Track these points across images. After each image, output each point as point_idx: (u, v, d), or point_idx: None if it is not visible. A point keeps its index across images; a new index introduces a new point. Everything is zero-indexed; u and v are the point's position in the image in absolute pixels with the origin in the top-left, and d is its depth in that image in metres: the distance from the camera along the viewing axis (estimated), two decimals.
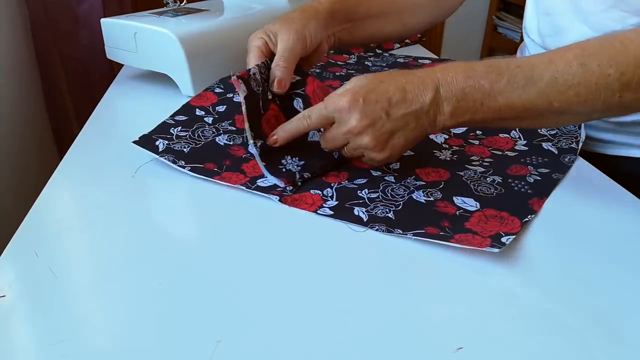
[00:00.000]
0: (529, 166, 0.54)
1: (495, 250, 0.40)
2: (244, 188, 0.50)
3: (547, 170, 0.54)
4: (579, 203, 0.49)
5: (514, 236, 0.42)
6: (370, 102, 0.46)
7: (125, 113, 0.74)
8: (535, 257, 0.42)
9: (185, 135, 0.58)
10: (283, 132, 0.51)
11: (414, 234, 0.43)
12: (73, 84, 1.27)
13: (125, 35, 0.76)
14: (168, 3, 0.83)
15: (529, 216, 0.46)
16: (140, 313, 0.36)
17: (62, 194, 0.51)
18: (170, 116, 0.62)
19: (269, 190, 0.49)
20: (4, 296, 0.37)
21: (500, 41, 2.46)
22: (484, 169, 0.54)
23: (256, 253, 0.42)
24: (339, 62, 0.88)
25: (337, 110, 0.47)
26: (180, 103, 0.71)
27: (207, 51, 0.74)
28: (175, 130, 0.59)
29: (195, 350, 0.32)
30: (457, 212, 0.46)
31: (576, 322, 0.36)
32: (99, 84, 1.24)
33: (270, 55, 0.57)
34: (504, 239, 0.42)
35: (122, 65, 0.85)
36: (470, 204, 0.47)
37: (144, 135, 0.57)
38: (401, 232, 0.43)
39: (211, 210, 0.48)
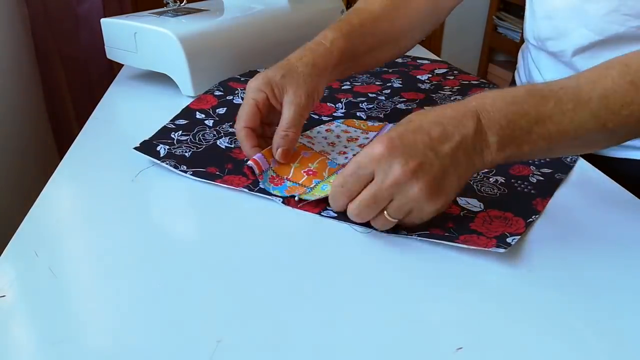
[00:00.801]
0: (531, 166, 0.54)
1: (501, 250, 0.40)
2: (247, 190, 0.49)
3: (550, 171, 0.54)
4: (580, 203, 0.49)
5: (519, 237, 0.42)
6: (410, 141, 0.40)
7: (125, 113, 0.74)
8: (535, 257, 0.42)
9: (186, 139, 0.58)
10: (332, 205, 0.45)
11: (419, 235, 0.43)
12: (73, 84, 1.27)
13: (125, 35, 0.76)
14: (168, 3, 0.83)
15: (533, 216, 0.46)
16: (140, 313, 0.36)
17: (62, 194, 0.51)
18: (171, 120, 0.62)
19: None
20: (4, 296, 0.37)
21: (500, 41, 2.46)
22: (486, 169, 0.54)
23: (256, 253, 0.42)
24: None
25: (375, 161, 0.39)
26: (180, 103, 0.71)
27: (207, 51, 0.74)
28: (176, 134, 0.59)
29: (195, 350, 0.32)
30: (462, 213, 0.46)
31: (576, 322, 0.36)
32: (99, 84, 1.24)
33: (267, 111, 0.53)
34: (509, 239, 0.42)
35: (122, 65, 0.85)
36: (474, 205, 0.47)
37: (144, 141, 0.56)
38: (406, 233, 0.43)
39: (211, 210, 0.48)
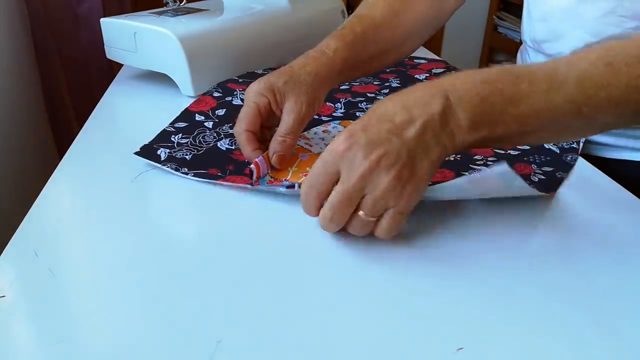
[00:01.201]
0: (532, 165, 0.54)
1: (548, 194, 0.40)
2: (249, 186, 0.50)
3: (551, 169, 0.54)
4: (580, 203, 0.49)
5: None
6: (372, 131, 0.38)
7: (125, 113, 0.74)
8: (536, 257, 0.42)
9: (187, 142, 0.58)
10: (305, 210, 0.43)
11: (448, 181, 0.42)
12: (73, 84, 1.27)
13: (125, 35, 0.76)
14: (168, 3, 0.83)
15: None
16: (140, 313, 0.36)
17: (62, 194, 0.51)
18: (170, 123, 0.61)
19: (273, 186, 0.50)
20: (3, 296, 0.37)
21: (500, 41, 2.46)
22: (459, 152, 0.54)
23: (256, 254, 0.42)
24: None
25: (339, 157, 0.38)
26: (180, 103, 0.71)
27: (207, 51, 0.74)
28: (176, 137, 0.59)
29: (195, 350, 0.32)
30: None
31: (576, 322, 0.36)
32: (99, 83, 1.24)
33: (267, 116, 0.52)
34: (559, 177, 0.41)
35: (122, 65, 0.85)
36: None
37: (144, 145, 0.56)
38: (431, 182, 0.41)
39: (211, 210, 0.48)
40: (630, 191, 0.51)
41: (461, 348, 0.33)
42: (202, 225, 0.47)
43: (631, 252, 0.43)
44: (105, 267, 0.40)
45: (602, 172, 0.55)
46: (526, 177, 0.52)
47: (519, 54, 0.83)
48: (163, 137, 0.59)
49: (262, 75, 0.75)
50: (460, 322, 0.35)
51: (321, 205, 0.41)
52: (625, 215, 0.48)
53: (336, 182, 0.39)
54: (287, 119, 0.51)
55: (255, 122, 0.52)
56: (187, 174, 0.52)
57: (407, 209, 0.40)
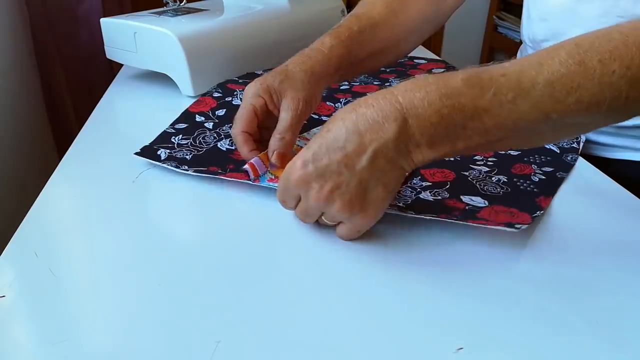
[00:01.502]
0: (532, 165, 0.55)
1: (514, 230, 0.41)
2: (250, 182, 0.50)
3: (551, 169, 0.54)
4: (580, 203, 0.49)
5: (526, 225, 0.43)
6: (323, 163, 0.39)
7: (125, 113, 0.74)
8: (535, 257, 0.42)
9: (187, 143, 0.58)
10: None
11: (428, 216, 0.43)
12: (73, 84, 1.27)
13: (125, 35, 0.76)
14: (168, 3, 0.83)
15: (537, 212, 0.46)
16: (140, 313, 0.36)
17: (62, 194, 0.51)
18: (171, 125, 0.61)
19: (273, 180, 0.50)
20: (3, 296, 0.37)
21: (500, 41, 2.46)
22: (488, 169, 0.54)
23: (256, 254, 0.42)
24: None
25: (295, 186, 0.41)
26: (180, 103, 0.71)
27: (207, 51, 0.74)
28: (176, 138, 0.59)
29: (195, 350, 0.32)
30: (466, 207, 0.47)
31: (576, 322, 0.36)
32: (99, 84, 1.24)
33: (264, 117, 0.53)
34: (517, 226, 0.42)
35: (122, 65, 0.85)
36: (478, 201, 0.48)
37: (145, 146, 0.56)
38: (413, 213, 0.44)
39: (211, 211, 0.48)
40: (630, 191, 0.51)
41: (461, 348, 0.33)
42: (202, 226, 0.47)
43: (631, 252, 0.43)
44: (105, 267, 0.40)
45: (602, 172, 0.55)
46: (527, 177, 0.52)
47: (519, 54, 0.83)
48: (163, 138, 0.58)
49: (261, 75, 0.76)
50: (460, 322, 0.35)
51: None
52: (625, 215, 0.48)
53: (298, 200, 0.42)
54: (285, 117, 0.51)
55: (251, 123, 0.52)
56: (187, 170, 0.52)
57: (363, 228, 0.42)
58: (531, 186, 0.51)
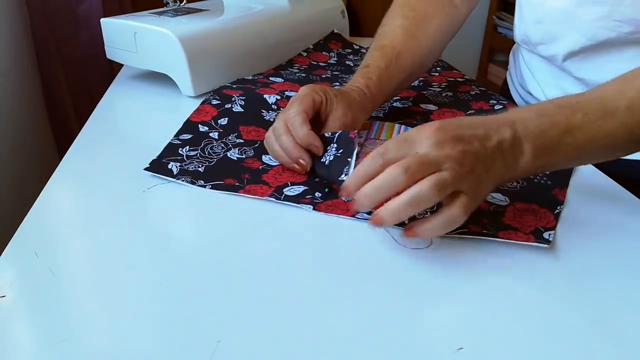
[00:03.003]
0: None
1: (545, 245, 0.42)
2: (273, 200, 0.49)
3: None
4: (581, 204, 0.49)
5: (553, 231, 0.44)
6: (458, 131, 0.40)
7: (125, 113, 0.74)
8: (536, 257, 0.42)
9: (196, 154, 0.57)
10: (353, 181, 0.42)
11: (459, 233, 0.44)
12: (73, 84, 1.27)
13: (125, 35, 0.76)
14: (168, 3, 0.83)
15: (558, 207, 0.48)
16: (140, 313, 0.36)
17: (62, 194, 0.51)
18: (175, 136, 0.60)
19: (299, 199, 0.49)
20: (4, 296, 0.37)
21: (500, 41, 2.45)
22: (519, 178, 0.54)
23: (256, 254, 0.42)
24: (320, 64, 0.88)
25: (425, 138, 0.40)
26: (180, 103, 0.71)
27: (207, 51, 0.74)
28: (184, 150, 0.58)
29: (195, 350, 0.32)
30: (491, 208, 0.48)
31: (576, 321, 0.36)
32: (99, 84, 1.23)
33: (315, 113, 0.53)
34: (545, 235, 0.43)
35: (122, 65, 0.85)
36: (500, 199, 0.49)
37: (154, 160, 0.55)
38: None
39: (211, 211, 0.48)
40: (630, 191, 0.51)
41: (461, 348, 0.33)
42: (202, 226, 0.47)
43: (631, 252, 0.43)
44: (106, 267, 0.40)
45: (602, 172, 0.55)
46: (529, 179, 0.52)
47: (511, 54, 0.83)
48: (171, 151, 0.57)
49: (252, 80, 0.75)
50: (460, 322, 0.35)
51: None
52: (625, 215, 0.48)
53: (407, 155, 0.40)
54: (336, 125, 0.53)
55: (310, 107, 0.52)
56: (204, 186, 0.51)
57: (473, 199, 0.40)
58: (544, 179, 0.52)
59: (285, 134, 0.51)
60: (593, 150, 0.44)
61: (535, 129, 0.42)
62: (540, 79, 0.71)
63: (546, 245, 0.42)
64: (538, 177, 0.52)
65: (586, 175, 0.55)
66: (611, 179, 0.54)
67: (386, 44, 0.64)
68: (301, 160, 0.51)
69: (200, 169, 0.54)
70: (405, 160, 0.38)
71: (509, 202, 0.48)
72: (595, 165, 0.56)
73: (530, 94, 0.74)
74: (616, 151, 0.46)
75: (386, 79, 0.62)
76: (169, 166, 0.54)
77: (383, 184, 0.39)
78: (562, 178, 0.52)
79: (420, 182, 0.38)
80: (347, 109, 0.54)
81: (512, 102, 0.75)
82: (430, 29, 0.67)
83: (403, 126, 0.64)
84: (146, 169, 0.53)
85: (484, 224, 0.45)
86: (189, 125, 0.63)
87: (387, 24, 0.66)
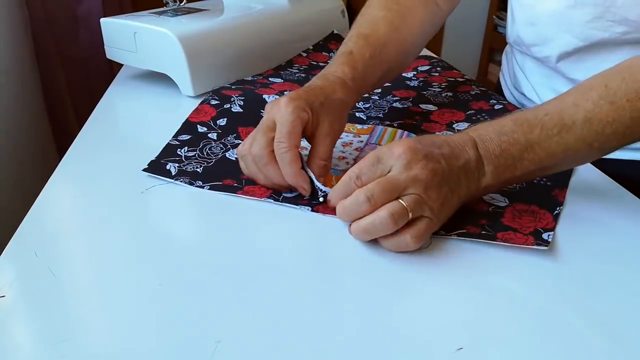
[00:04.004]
0: None
1: (544, 248, 0.42)
2: (272, 201, 0.49)
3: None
4: (580, 203, 0.49)
5: (552, 232, 0.44)
6: (427, 147, 0.42)
7: (125, 113, 0.74)
8: (535, 257, 0.42)
9: (194, 155, 0.57)
10: (334, 198, 0.44)
11: (458, 235, 0.44)
12: (73, 84, 1.27)
13: (125, 35, 0.76)
14: (168, 3, 0.83)
15: (557, 208, 0.47)
16: (140, 313, 0.36)
17: (62, 194, 0.51)
18: (173, 137, 0.60)
19: (297, 200, 0.49)
20: (3, 296, 0.37)
21: (501, 41, 2.45)
22: (479, 196, 0.54)
23: (256, 254, 0.42)
24: (320, 64, 0.88)
25: (395, 158, 0.41)
26: (181, 103, 0.71)
27: (207, 51, 0.74)
28: (182, 151, 0.57)
29: (195, 350, 0.32)
30: (490, 209, 0.47)
31: (575, 322, 0.36)
32: (99, 84, 1.23)
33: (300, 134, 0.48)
34: (544, 236, 0.43)
35: (122, 65, 0.85)
36: (499, 199, 0.49)
37: (152, 161, 0.55)
38: (444, 233, 0.44)
39: (211, 211, 0.48)
40: (630, 191, 0.51)
41: (461, 348, 0.33)
42: (201, 226, 0.47)
43: (631, 252, 0.43)
44: (106, 267, 0.40)
45: (602, 172, 0.55)
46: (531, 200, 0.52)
47: (504, 56, 0.83)
48: (169, 151, 0.57)
49: (251, 82, 0.75)
50: (460, 322, 0.35)
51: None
52: (625, 215, 0.48)
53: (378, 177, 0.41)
54: (325, 143, 0.50)
55: (299, 137, 0.48)
56: (202, 187, 0.51)
57: (437, 221, 0.42)
58: (543, 180, 0.52)
59: (271, 165, 0.48)
60: (554, 163, 0.45)
61: (495, 149, 0.44)
62: (534, 80, 0.71)
63: (545, 247, 0.42)
64: (538, 178, 0.52)
65: (586, 175, 0.55)
66: (611, 179, 0.54)
67: (369, 33, 0.61)
68: (303, 185, 0.48)
69: (198, 170, 0.54)
70: (370, 186, 0.41)
71: (508, 203, 0.48)
72: (595, 165, 0.56)
73: (524, 95, 0.74)
74: (580, 160, 0.48)
75: (370, 71, 0.59)
76: (167, 167, 0.54)
77: (351, 208, 0.42)
78: (562, 178, 0.52)
79: (378, 210, 0.40)
80: (332, 122, 0.50)
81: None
82: (413, 23, 0.65)
83: (405, 132, 0.63)
84: (144, 169, 0.53)
85: (483, 225, 0.45)
86: (188, 126, 0.63)
87: (369, 13, 0.64)
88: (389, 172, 0.41)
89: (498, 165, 0.44)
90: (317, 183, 0.47)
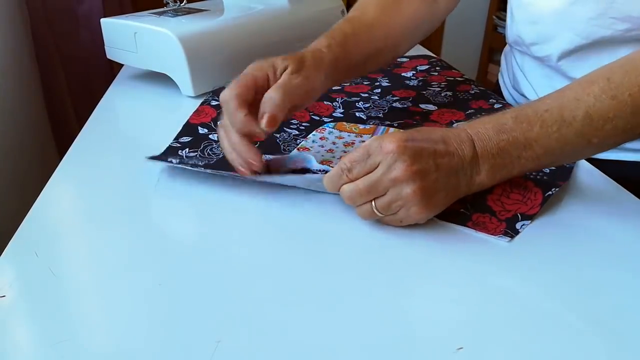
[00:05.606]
0: None
1: (506, 240, 0.42)
2: (269, 179, 0.49)
3: (553, 168, 0.54)
4: (580, 203, 0.49)
5: (529, 222, 0.44)
6: (417, 147, 0.42)
7: (125, 113, 0.74)
8: (536, 257, 0.42)
9: (195, 155, 0.57)
10: (326, 187, 0.45)
11: (437, 216, 0.44)
12: (73, 84, 1.27)
13: (125, 35, 0.76)
14: (168, 3, 0.83)
15: (552, 189, 0.47)
16: (140, 313, 0.36)
17: (62, 194, 0.51)
18: (175, 139, 0.60)
19: (294, 174, 0.49)
20: (3, 296, 0.37)
21: (500, 41, 2.45)
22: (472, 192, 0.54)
23: (256, 254, 0.42)
24: None
25: (383, 154, 0.41)
26: (181, 103, 0.71)
27: (207, 51, 0.74)
28: (184, 152, 0.58)
29: (195, 350, 0.32)
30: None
31: (576, 322, 0.36)
32: (99, 84, 1.24)
33: (263, 91, 0.48)
34: (518, 225, 0.43)
35: (122, 65, 0.85)
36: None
37: (153, 156, 0.55)
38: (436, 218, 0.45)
39: (211, 211, 0.48)
40: (630, 191, 0.51)
41: (461, 348, 0.33)
42: (201, 225, 0.47)
43: (631, 252, 0.43)
44: (106, 267, 0.40)
45: (602, 172, 0.55)
46: (528, 178, 0.52)
47: (503, 56, 0.82)
48: (171, 152, 0.57)
49: None
50: (460, 322, 0.35)
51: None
52: (625, 215, 0.48)
53: (369, 172, 0.42)
54: (281, 79, 0.48)
55: (248, 88, 0.47)
56: (203, 169, 0.51)
57: (409, 222, 0.44)
58: (544, 176, 0.52)
59: (230, 114, 0.47)
60: (552, 160, 0.46)
61: (493, 149, 0.44)
62: (533, 80, 0.71)
63: (508, 240, 0.42)
64: (540, 175, 0.52)
65: (587, 176, 0.55)
66: (611, 179, 0.54)
67: (356, 15, 0.61)
68: (250, 160, 0.46)
69: (200, 163, 0.54)
70: (354, 185, 0.43)
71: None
72: (596, 166, 0.56)
73: (524, 95, 0.74)
74: (577, 156, 0.48)
75: (352, 45, 0.57)
76: (169, 159, 0.54)
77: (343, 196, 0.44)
78: (562, 175, 0.52)
79: (359, 207, 0.44)
80: (297, 68, 0.49)
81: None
82: (407, 12, 0.65)
83: None
84: (147, 157, 0.53)
85: (466, 201, 0.45)
86: (189, 128, 0.63)
87: (361, 0, 0.64)
88: (378, 165, 0.42)
89: (494, 165, 0.44)
90: (314, 164, 0.49)
